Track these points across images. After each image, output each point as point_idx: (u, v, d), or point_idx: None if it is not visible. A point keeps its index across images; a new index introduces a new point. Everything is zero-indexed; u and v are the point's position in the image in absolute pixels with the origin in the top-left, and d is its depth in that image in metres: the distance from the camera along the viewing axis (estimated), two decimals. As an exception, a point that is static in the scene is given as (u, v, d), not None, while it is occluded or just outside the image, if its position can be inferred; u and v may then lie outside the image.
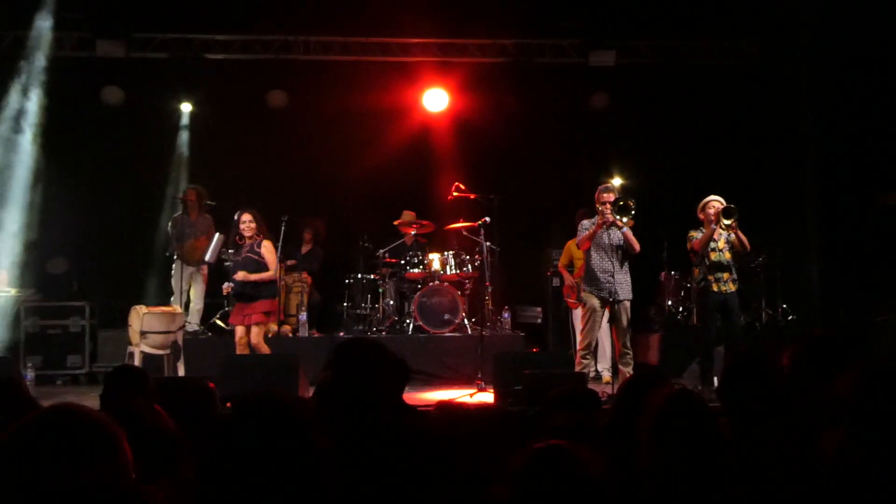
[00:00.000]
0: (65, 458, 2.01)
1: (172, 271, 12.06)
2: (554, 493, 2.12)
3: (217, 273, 12.12)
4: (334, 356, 3.91)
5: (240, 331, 9.86)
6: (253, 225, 9.91)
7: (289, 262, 12.36)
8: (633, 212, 9.33)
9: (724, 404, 3.62)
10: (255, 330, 9.73)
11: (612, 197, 9.52)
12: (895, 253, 11.59)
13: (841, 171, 12.52)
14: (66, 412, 2.11)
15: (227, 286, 10.02)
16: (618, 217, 9.32)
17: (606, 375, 10.63)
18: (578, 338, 11.06)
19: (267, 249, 9.92)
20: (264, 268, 9.85)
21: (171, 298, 11.83)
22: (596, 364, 10.70)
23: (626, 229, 9.46)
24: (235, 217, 10.03)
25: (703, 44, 13.72)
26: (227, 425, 2.10)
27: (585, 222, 9.77)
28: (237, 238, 10.08)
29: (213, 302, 12.29)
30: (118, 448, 2.09)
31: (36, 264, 12.50)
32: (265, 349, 9.78)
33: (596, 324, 9.63)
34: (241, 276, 9.79)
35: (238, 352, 9.80)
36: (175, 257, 11.98)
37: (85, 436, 2.05)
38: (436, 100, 13.69)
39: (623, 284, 9.55)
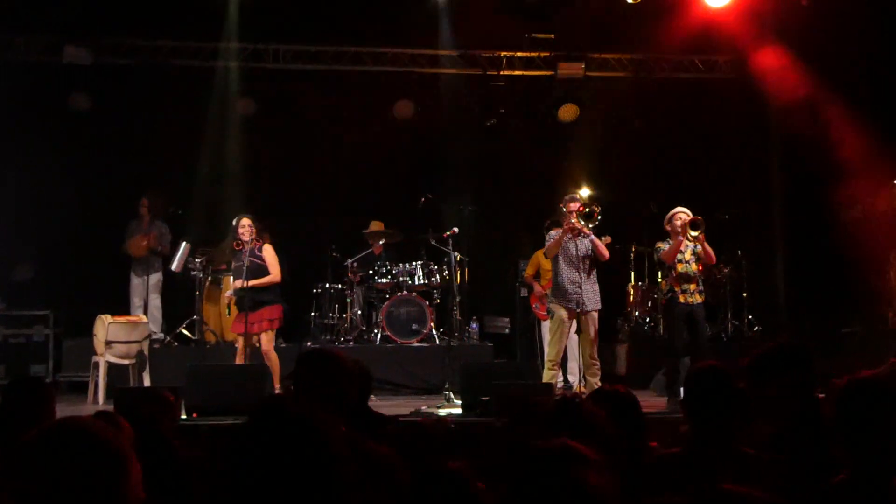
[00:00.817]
0: (74, 475, 1.97)
1: (130, 282, 12.03)
2: (556, 491, 2.11)
3: (183, 282, 12.06)
4: (296, 367, 3.97)
5: (241, 340, 9.75)
6: (252, 229, 9.78)
7: None
8: (598, 218, 9.37)
9: (686, 413, 3.67)
10: (265, 337, 9.60)
11: (577, 206, 9.54)
12: (860, 265, 11.70)
13: (807, 183, 12.63)
14: (74, 428, 2.07)
15: (229, 295, 9.88)
16: (582, 224, 9.36)
17: (579, 386, 10.62)
18: (546, 349, 11.11)
19: (269, 253, 9.83)
20: (266, 272, 9.75)
21: (130, 308, 11.78)
22: (566, 375, 10.74)
23: (593, 237, 9.49)
24: (234, 222, 9.91)
25: (670, 56, 13.79)
26: (245, 434, 2.07)
27: (553, 232, 9.79)
28: (235, 244, 9.92)
29: (179, 311, 12.22)
30: (127, 464, 2.05)
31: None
32: (275, 357, 9.65)
33: (564, 335, 9.64)
34: (239, 283, 9.67)
35: (237, 361, 9.70)
36: (131, 267, 11.99)
37: (93, 452, 2.01)
38: (405, 109, 13.67)
39: (591, 295, 9.56)
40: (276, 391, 9.16)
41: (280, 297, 10.00)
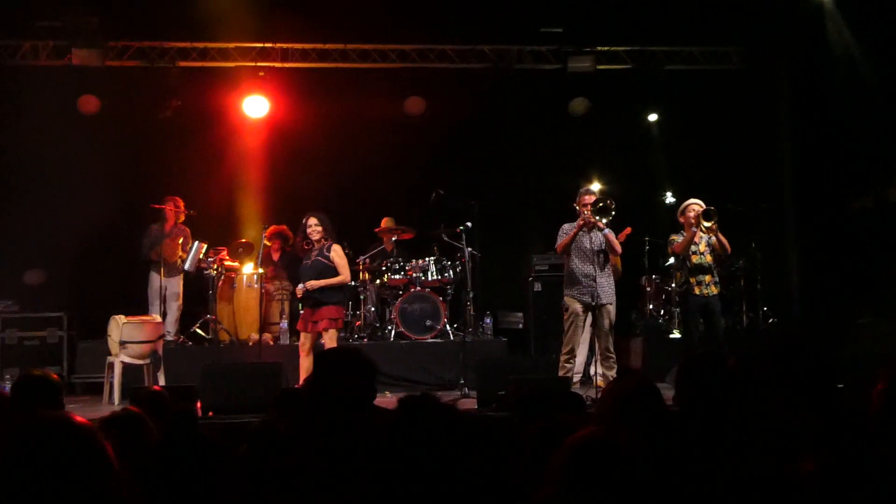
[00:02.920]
0: (57, 471, 1.96)
1: (149, 282, 12.03)
2: (602, 483, 2.10)
3: (196, 281, 12.06)
4: (315, 363, 4.05)
5: (303, 337, 9.73)
6: (320, 228, 9.76)
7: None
8: (612, 213, 9.32)
9: (678, 401, 3.66)
10: (327, 336, 9.53)
11: (592, 199, 9.50)
12: (875, 255, 11.65)
13: (819, 174, 12.58)
14: (55, 424, 2.05)
15: (300, 289, 9.83)
16: (597, 218, 9.32)
17: (595, 379, 10.59)
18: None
19: (337, 254, 9.79)
20: (334, 272, 9.71)
21: (150, 309, 11.77)
22: (587, 368, 10.71)
23: (607, 231, 9.45)
24: (303, 220, 9.88)
25: (681, 49, 13.74)
26: (395, 428, 2.15)
27: (566, 226, 9.75)
28: (304, 243, 9.92)
29: (192, 311, 12.23)
30: (108, 458, 2.05)
31: (12, 275, 12.39)
32: None
33: (578, 328, 9.59)
34: (311, 283, 9.64)
35: (301, 358, 9.68)
36: (150, 267, 11.96)
37: (76, 447, 2.00)
38: (416, 106, 13.65)
39: (605, 288, 9.52)
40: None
41: (346, 298, 10.01)
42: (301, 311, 10.17)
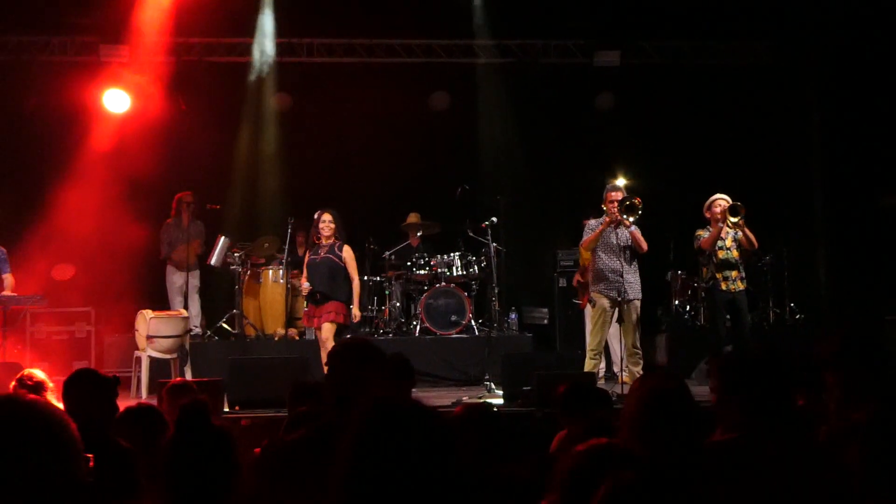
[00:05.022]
0: (10, 452, 1.93)
1: (167, 277, 12.09)
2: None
3: (223, 276, 12.11)
4: (329, 357, 3.99)
5: (316, 332, 9.78)
6: (332, 225, 9.67)
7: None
8: (639, 211, 9.28)
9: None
10: (325, 328, 9.48)
11: (619, 196, 9.46)
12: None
13: (848, 170, 12.49)
14: (7, 404, 2.03)
15: (306, 286, 9.79)
16: (624, 216, 9.28)
17: (621, 375, 10.56)
18: (588, 338, 11.05)
19: (349, 254, 9.74)
20: (344, 271, 9.68)
21: (171, 305, 11.84)
22: (609, 364, 10.68)
23: (633, 228, 9.41)
24: (315, 216, 9.80)
25: (708, 44, 13.66)
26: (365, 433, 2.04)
27: (592, 222, 9.73)
28: (315, 238, 9.84)
29: (219, 306, 12.28)
30: (67, 438, 2.00)
31: (41, 270, 12.47)
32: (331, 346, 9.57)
33: (606, 324, 9.57)
34: (357, 315, 9.85)
35: (323, 354, 9.64)
36: (167, 263, 12.05)
37: (31, 427, 1.97)
38: (441, 101, 13.64)
39: (633, 284, 9.49)
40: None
41: (350, 298, 9.86)
42: (306, 308, 10.06)
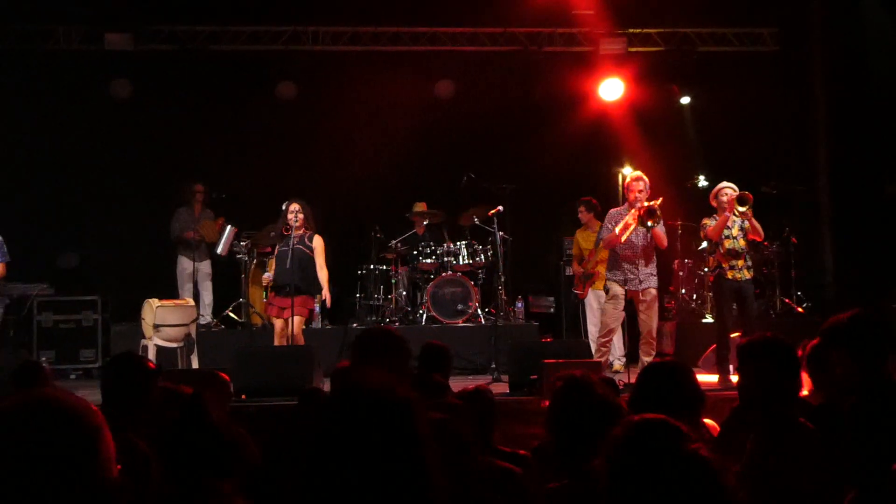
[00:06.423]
0: (38, 454, 1.86)
1: (177, 266, 12.11)
2: (654, 464, 2.09)
3: (229, 265, 12.12)
4: (354, 344, 4.05)
5: (279, 323, 9.65)
6: (301, 216, 9.52)
7: None
8: (660, 216, 9.22)
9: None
10: (297, 321, 9.40)
11: (641, 185, 9.36)
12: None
13: (854, 159, 12.44)
14: (39, 403, 1.95)
15: (266, 277, 9.76)
16: (649, 225, 9.16)
17: (617, 364, 10.53)
18: (590, 327, 11.03)
19: (319, 244, 9.63)
20: (313, 262, 9.59)
21: (180, 292, 11.85)
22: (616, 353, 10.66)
23: (656, 228, 9.32)
24: (283, 206, 9.70)
25: (714, 30, 13.62)
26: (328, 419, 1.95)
27: (612, 211, 9.64)
28: (284, 228, 9.69)
29: (225, 294, 12.29)
30: (98, 441, 1.94)
31: (47, 259, 12.52)
32: (302, 342, 9.54)
33: (618, 311, 9.51)
34: (327, 297, 9.78)
35: (276, 343, 9.64)
36: (178, 250, 12.07)
37: (60, 429, 1.90)
38: (446, 89, 13.63)
39: (648, 273, 9.44)
40: None
41: (319, 291, 9.79)
42: (269, 298, 9.99)
